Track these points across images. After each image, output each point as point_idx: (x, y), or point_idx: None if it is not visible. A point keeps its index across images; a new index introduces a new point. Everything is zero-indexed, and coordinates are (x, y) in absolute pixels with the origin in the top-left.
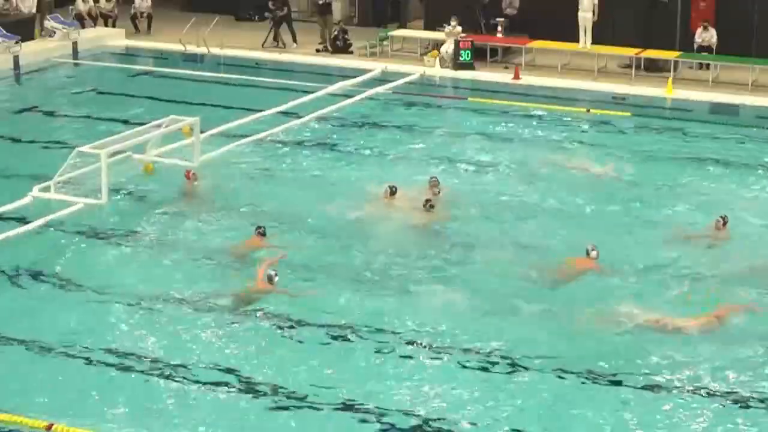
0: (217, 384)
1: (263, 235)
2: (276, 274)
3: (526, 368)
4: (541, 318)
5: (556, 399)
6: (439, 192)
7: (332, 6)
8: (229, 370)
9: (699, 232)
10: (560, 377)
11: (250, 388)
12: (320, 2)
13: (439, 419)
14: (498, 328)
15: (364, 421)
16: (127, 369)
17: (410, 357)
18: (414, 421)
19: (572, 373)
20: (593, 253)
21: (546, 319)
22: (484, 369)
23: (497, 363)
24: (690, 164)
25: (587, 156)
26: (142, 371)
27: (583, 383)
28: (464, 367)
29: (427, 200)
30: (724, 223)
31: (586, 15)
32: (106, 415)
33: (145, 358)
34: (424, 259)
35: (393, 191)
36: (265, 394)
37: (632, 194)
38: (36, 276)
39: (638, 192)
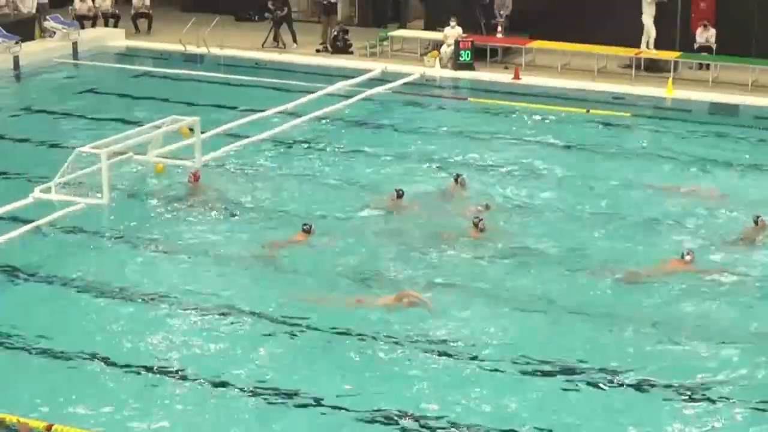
0: (228, 387)
1: (308, 232)
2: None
3: (628, 382)
4: (638, 324)
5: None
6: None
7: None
8: (234, 373)
9: (742, 233)
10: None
11: (261, 391)
12: (325, 2)
13: None
14: (581, 338)
15: None
16: (130, 371)
17: (494, 371)
18: None
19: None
20: (688, 257)
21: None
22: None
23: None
24: (692, 164)
25: (589, 156)
26: (147, 373)
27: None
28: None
29: (479, 219)
30: (761, 222)
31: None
32: (109, 416)
33: (152, 360)
34: (460, 265)
35: (400, 195)
36: (290, 396)
37: (645, 196)
38: (38, 277)
39: (649, 193)
